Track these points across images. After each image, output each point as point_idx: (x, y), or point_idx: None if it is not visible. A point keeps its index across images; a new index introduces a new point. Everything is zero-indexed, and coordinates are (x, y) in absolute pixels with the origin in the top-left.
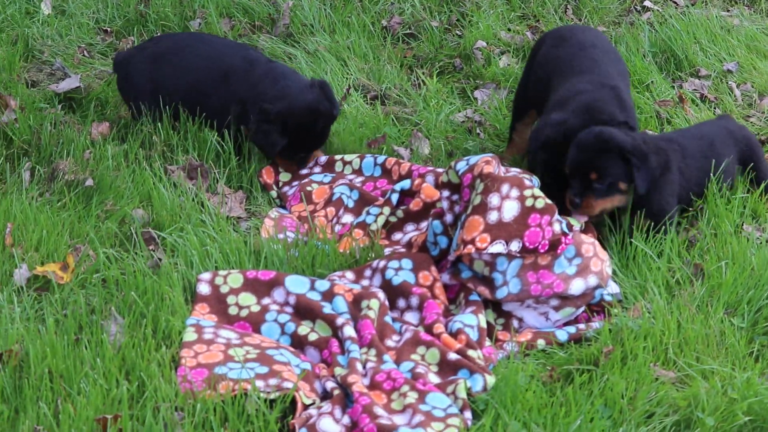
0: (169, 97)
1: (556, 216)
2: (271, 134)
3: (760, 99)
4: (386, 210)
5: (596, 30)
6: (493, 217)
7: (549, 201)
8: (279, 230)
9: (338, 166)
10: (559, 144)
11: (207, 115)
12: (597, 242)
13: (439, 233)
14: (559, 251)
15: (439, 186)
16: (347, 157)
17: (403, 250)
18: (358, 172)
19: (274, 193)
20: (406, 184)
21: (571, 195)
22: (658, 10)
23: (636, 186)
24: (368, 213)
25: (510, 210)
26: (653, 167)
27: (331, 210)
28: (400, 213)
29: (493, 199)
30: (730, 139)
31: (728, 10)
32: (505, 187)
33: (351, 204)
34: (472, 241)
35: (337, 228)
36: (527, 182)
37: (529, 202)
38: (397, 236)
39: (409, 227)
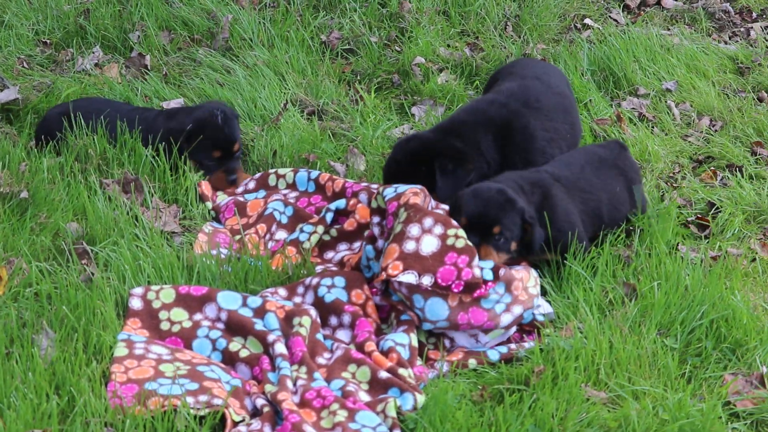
0: None
1: (477, 261)
2: (182, 145)
3: (698, 118)
4: (320, 228)
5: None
6: (409, 246)
7: (470, 243)
8: (212, 246)
9: (272, 180)
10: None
11: None
12: (525, 275)
13: (371, 258)
14: (476, 295)
15: (370, 211)
16: (281, 171)
17: (335, 268)
18: (292, 186)
19: (209, 204)
20: (341, 203)
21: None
22: (598, 28)
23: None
24: (302, 230)
25: (429, 245)
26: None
27: (262, 226)
28: (333, 232)
29: (413, 230)
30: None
31: (669, 29)
32: (427, 221)
33: (284, 220)
34: (386, 268)
35: (270, 244)
36: (454, 222)
37: (450, 241)
38: (329, 255)
39: (342, 246)
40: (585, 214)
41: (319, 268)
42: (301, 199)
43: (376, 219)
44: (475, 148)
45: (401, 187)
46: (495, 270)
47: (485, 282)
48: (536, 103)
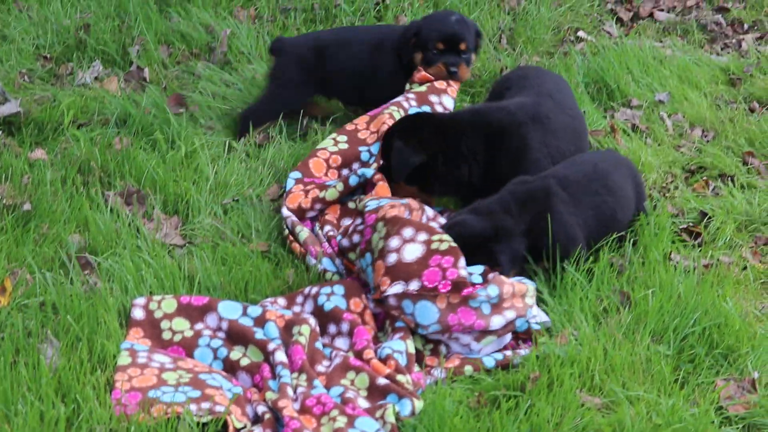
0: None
1: (463, 262)
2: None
3: (690, 129)
4: (339, 186)
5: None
6: (391, 259)
7: (454, 244)
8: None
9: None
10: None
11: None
12: (523, 287)
13: (365, 267)
14: (464, 294)
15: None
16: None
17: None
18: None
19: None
20: (368, 171)
21: None
22: (591, 41)
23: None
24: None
25: (413, 252)
26: (516, 244)
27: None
28: (351, 205)
29: (392, 242)
30: (619, 170)
31: (661, 41)
32: (407, 231)
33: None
34: (378, 285)
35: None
36: (438, 228)
37: (434, 245)
38: (346, 221)
39: (358, 221)
40: (596, 219)
41: (328, 228)
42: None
43: (358, 221)
44: (452, 143)
45: (383, 201)
46: (484, 274)
47: (473, 284)
48: (545, 119)
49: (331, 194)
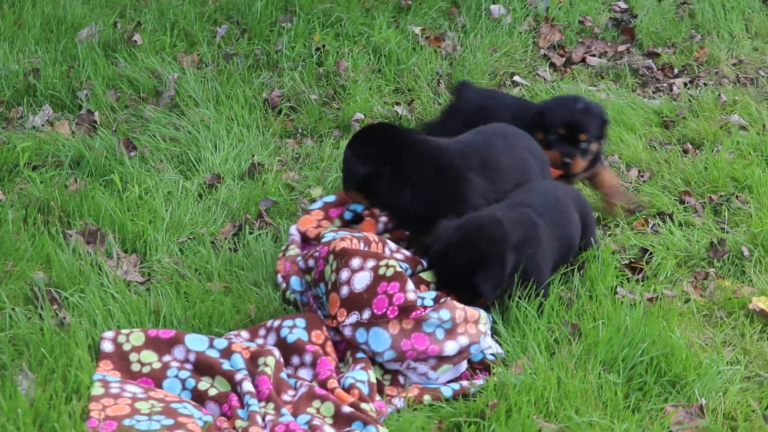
0: None
1: (411, 286)
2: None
3: (627, 170)
4: (337, 222)
5: None
6: (344, 291)
7: (400, 269)
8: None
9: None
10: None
11: None
12: (476, 313)
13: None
14: (413, 316)
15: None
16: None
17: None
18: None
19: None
20: (359, 207)
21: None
22: (527, 85)
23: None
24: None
25: (362, 281)
26: (499, 273)
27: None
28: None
29: (343, 275)
30: (572, 201)
31: (595, 85)
32: (355, 261)
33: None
34: (335, 316)
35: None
36: (385, 254)
37: (381, 271)
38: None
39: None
40: (558, 252)
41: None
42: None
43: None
44: (399, 164)
45: (340, 234)
46: (436, 299)
47: (424, 307)
48: (494, 164)
49: (329, 229)
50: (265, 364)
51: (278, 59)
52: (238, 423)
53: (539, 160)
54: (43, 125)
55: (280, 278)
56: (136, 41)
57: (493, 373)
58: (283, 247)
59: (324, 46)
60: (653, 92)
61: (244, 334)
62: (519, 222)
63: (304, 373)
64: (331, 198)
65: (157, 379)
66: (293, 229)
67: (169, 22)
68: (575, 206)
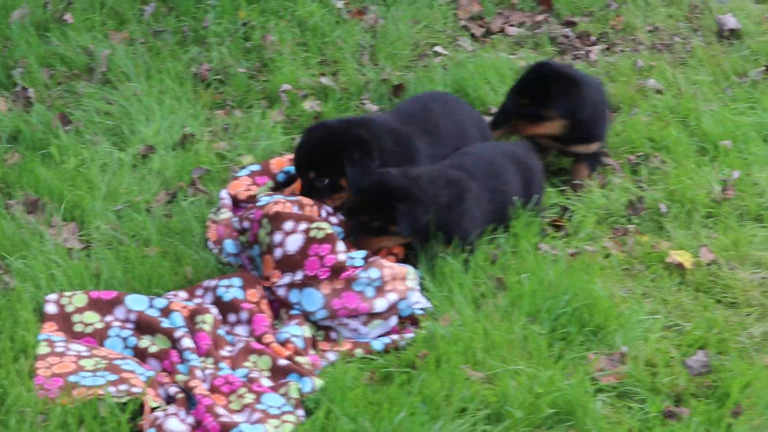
0: None
1: (341, 247)
2: None
3: None
4: (270, 183)
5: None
6: (278, 253)
7: (331, 231)
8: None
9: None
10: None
11: None
12: (403, 270)
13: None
14: (344, 276)
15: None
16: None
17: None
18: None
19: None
20: (291, 168)
21: (351, 233)
22: (447, 55)
23: (399, 229)
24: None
25: (294, 243)
26: (420, 213)
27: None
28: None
29: (276, 238)
30: (513, 164)
31: (515, 53)
32: (288, 224)
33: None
34: (269, 277)
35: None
36: (316, 217)
37: (312, 233)
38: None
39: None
40: (492, 213)
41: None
42: None
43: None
44: (376, 142)
45: (274, 197)
46: (365, 258)
47: (354, 267)
48: (433, 128)
49: (261, 191)
50: (204, 322)
51: (206, 35)
52: (179, 377)
53: (478, 124)
54: None
55: (211, 244)
56: (67, 20)
57: (422, 326)
58: (213, 210)
59: (250, 21)
60: (572, 59)
61: (183, 294)
62: (440, 178)
63: (241, 330)
64: (256, 167)
65: (99, 338)
66: (224, 193)
67: (98, 1)
68: (516, 168)
